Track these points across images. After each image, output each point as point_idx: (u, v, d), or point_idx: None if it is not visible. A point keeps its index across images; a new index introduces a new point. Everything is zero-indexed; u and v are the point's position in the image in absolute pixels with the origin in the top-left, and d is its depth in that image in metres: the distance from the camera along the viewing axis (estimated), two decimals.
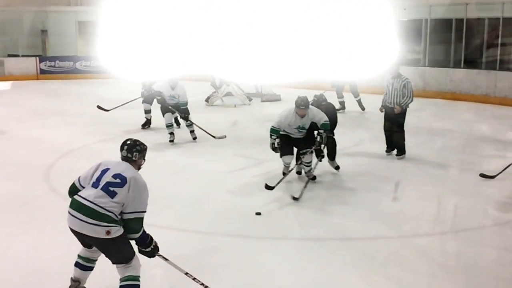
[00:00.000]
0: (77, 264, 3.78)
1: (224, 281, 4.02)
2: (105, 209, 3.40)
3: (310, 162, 6.61)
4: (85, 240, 3.56)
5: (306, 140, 6.60)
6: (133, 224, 3.47)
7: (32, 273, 4.22)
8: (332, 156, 7.07)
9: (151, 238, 3.61)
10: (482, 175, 6.69)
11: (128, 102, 10.62)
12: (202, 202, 5.99)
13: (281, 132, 6.55)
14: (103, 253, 3.59)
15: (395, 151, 7.85)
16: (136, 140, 3.76)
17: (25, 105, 13.38)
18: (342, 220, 5.39)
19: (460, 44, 14.29)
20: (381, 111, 7.93)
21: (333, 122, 6.74)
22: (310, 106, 6.40)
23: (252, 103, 13.42)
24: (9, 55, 20.58)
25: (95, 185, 3.51)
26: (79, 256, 3.78)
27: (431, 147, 8.03)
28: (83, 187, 3.60)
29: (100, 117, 10.70)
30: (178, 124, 9.80)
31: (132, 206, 3.46)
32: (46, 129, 10.10)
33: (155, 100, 9.27)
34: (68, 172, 7.07)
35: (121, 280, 3.52)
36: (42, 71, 19.84)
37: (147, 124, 10.17)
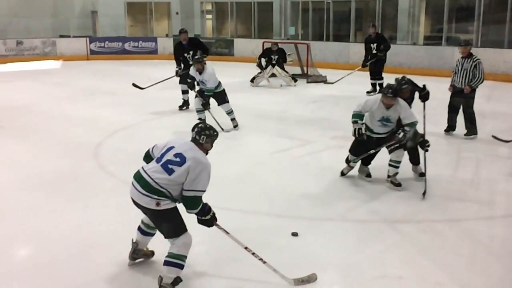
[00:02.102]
0: (139, 228, 4.02)
1: (266, 259, 4.05)
2: (159, 185, 3.56)
3: (399, 162, 5.68)
4: (141, 209, 3.73)
5: (391, 138, 5.65)
6: (190, 201, 3.62)
7: (79, 246, 4.36)
8: (416, 159, 6.07)
9: (210, 207, 3.75)
10: (494, 137, 6.67)
11: (162, 81, 10.57)
12: (246, 182, 6.02)
13: (363, 131, 5.77)
14: (154, 225, 3.79)
15: (455, 131, 7.81)
16: (208, 125, 3.86)
17: (76, 85, 13.74)
18: (387, 202, 5.32)
19: None
20: (450, 91, 7.87)
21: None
22: (401, 100, 5.55)
23: (297, 84, 13.34)
24: (61, 36, 21.11)
25: (158, 160, 3.68)
26: (141, 221, 4.00)
27: (481, 130, 7.79)
28: (151, 157, 3.82)
29: (148, 97, 10.89)
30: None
31: (191, 185, 3.57)
32: (96, 108, 10.35)
33: None
34: (116, 151, 7.29)
35: (166, 255, 3.64)
36: (92, 52, 20.27)
37: (184, 105, 10.08)
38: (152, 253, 4.12)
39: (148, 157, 3.90)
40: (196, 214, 3.70)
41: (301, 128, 8.62)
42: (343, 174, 6.06)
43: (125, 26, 21.94)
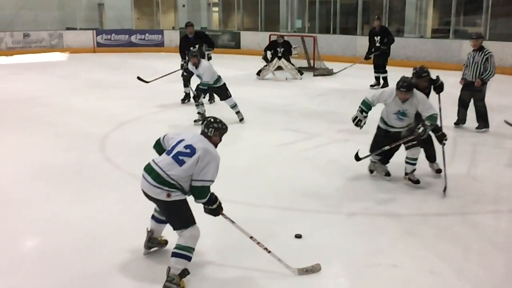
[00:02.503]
0: (152, 217, 4.08)
1: (271, 250, 4.07)
2: (170, 178, 3.62)
3: (416, 159, 5.52)
4: (152, 201, 3.77)
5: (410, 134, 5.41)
6: (199, 191, 3.68)
7: (85, 237, 4.38)
8: (432, 157, 5.92)
9: (216, 197, 3.80)
10: (506, 122, 6.66)
11: (167, 74, 10.52)
12: (252, 175, 6.03)
13: (379, 125, 5.70)
14: (164, 216, 3.86)
15: (465, 124, 7.80)
16: (217, 119, 3.91)
17: (82, 77, 13.77)
18: (393, 196, 5.32)
19: None
20: (461, 84, 7.83)
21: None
22: (418, 93, 5.29)
23: (304, 77, 13.31)
24: (68, 28, 21.16)
25: (168, 152, 3.76)
26: (154, 210, 4.06)
27: (490, 123, 7.74)
28: (163, 148, 3.91)
29: (154, 90, 10.90)
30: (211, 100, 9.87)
31: (200, 175, 3.63)
32: (102, 101, 10.37)
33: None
34: (122, 143, 7.31)
35: (174, 247, 3.67)
36: (99, 44, 20.30)
37: (186, 99, 10.03)
38: (166, 242, 4.16)
39: (158, 145, 3.97)
40: (203, 203, 3.75)
41: (307, 121, 8.61)
42: (371, 172, 5.90)
43: (132, 18, 21.96)
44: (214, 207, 3.78)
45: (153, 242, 4.09)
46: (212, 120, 3.89)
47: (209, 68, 8.17)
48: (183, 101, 10.03)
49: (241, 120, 8.45)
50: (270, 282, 3.75)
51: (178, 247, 3.64)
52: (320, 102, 10.30)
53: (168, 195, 3.61)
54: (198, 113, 8.30)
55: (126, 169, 6.11)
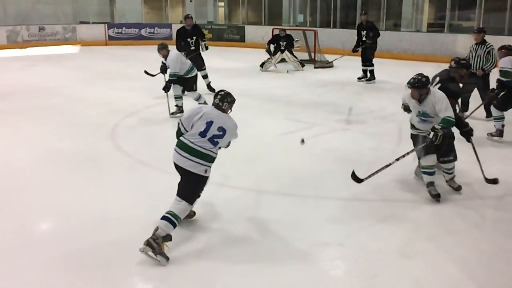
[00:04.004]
0: None
1: (273, 235, 4.07)
2: (209, 151, 3.97)
3: (431, 166, 4.82)
4: (180, 171, 4.00)
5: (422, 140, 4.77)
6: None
7: (95, 221, 4.39)
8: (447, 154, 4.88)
9: None
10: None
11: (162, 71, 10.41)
12: (255, 162, 6.03)
13: (411, 132, 5.01)
14: (182, 182, 4.02)
15: (467, 113, 7.69)
16: (228, 92, 4.18)
17: (95, 69, 13.77)
18: (389, 183, 5.28)
19: None
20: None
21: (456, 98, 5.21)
22: (436, 91, 4.67)
23: (305, 69, 13.26)
24: (81, 22, 21.11)
25: (202, 134, 3.98)
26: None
27: (481, 116, 7.69)
28: (186, 131, 4.06)
29: (162, 82, 10.83)
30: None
31: (228, 142, 4.20)
32: (113, 91, 10.37)
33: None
34: (132, 132, 7.30)
35: (166, 212, 3.86)
36: (110, 37, 20.27)
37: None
38: (194, 213, 4.32)
39: (181, 134, 4.10)
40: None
41: (308, 111, 8.58)
42: (430, 189, 4.86)
43: (142, 13, 21.86)
44: None
45: None
46: (223, 94, 4.13)
47: (175, 59, 7.88)
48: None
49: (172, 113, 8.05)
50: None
51: (171, 213, 3.84)
52: (320, 93, 10.26)
53: (206, 171, 3.95)
54: (176, 105, 8.13)
55: (135, 156, 6.11)
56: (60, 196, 4.97)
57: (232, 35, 20.31)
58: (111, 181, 5.37)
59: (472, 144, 5.04)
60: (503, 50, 6.85)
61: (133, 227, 4.20)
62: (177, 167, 4.02)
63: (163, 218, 3.81)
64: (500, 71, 6.64)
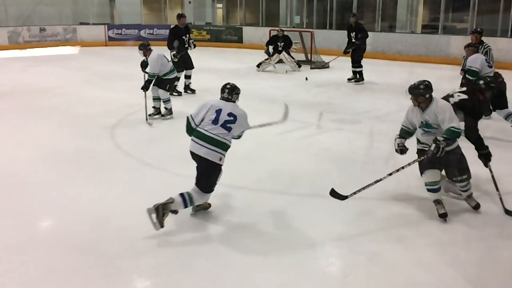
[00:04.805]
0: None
1: (270, 232, 4.08)
2: (224, 139, 4.17)
3: (435, 182, 4.41)
4: (197, 160, 4.18)
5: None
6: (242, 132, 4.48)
7: (96, 218, 4.41)
8: (456, 175, 4.43)
9: None
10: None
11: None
12: (252, 161, 6.03)
13: (417, 147, 4.57)
14: (197, 171, 4.21)
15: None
16: (234, 85, 4.47)
17: (95, 69, 13.75)
18: (383, 182, 5.29)
19: (508, 14, 13.56)
20: (461, 75, 7.79)
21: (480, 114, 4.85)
22: (440, 100, 4.33)
23: (301, 69, 13.27)
24: (81, 23, 21.07)
25: (214, 122, 4.18)
26: None
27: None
28: (196, 125, 4.23)
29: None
30: (179, 93, 9.81)
31: (241, 130, 4.41)
32: (113, 92, 10.36)
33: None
34: (131, 131, 7.30)
35: (186, 191, 4.13)
36: (110, 38, 20.25)
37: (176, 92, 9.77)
38: (209, 205, 4.50)
39: (191, 130, 4.25)
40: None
41: (303, 111, 8.60)
42: (438, 206, 4.45)
43: (141, 14, 21.85)
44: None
45: (199, 206, 4.41)
46: (230, 87, 4.39)
47: (156, 60, 7.74)
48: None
49: (162, 116, 7.99)
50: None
51: (189, 195, 4.11)
52: (316, 94, 10.28)
53: (220, 159, 4.14)
54: (165, 108, 8.02)
55: (135, 155, 6.12)
56: (60, 194, 4.97)
57: (230, 36, 20.31)
58: (111, 180, 5.38)
59: (490, 170, 4.63)
60: (470, 48, 6.87)
61: (133, 226, 4.21)
62: (193, 155, 4.19)
63: (181, 195, 4.09)
64: (468, 70, 6.66)
